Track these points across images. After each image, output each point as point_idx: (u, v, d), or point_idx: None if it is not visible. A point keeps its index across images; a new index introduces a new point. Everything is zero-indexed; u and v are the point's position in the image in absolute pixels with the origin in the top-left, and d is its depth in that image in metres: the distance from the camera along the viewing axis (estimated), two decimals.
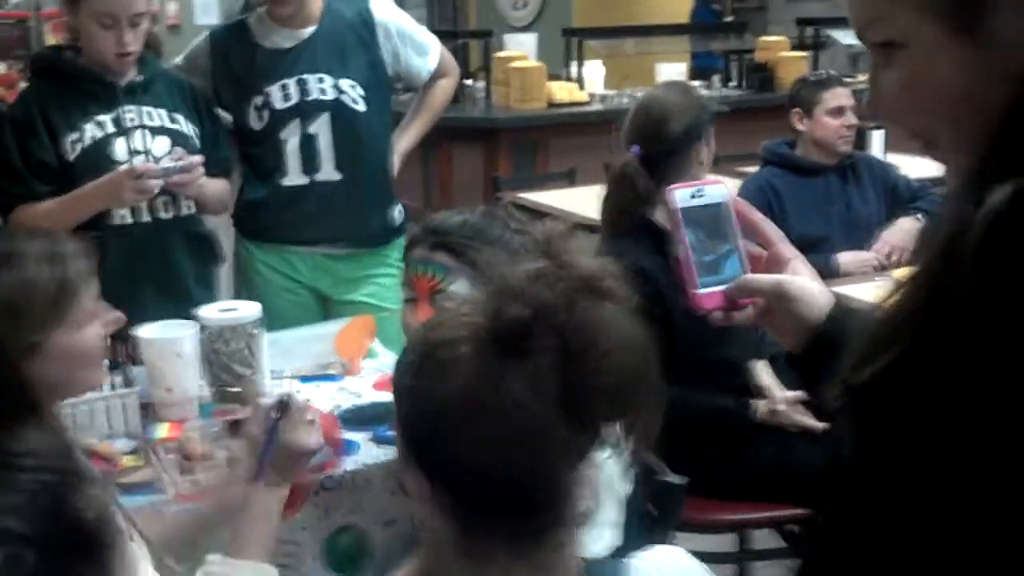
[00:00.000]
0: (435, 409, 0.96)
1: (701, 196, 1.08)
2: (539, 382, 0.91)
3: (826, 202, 3.21)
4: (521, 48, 6.75)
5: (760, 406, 2.43)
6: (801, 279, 1.09)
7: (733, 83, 6.95)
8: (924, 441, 0.69)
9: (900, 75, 0.76)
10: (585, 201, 3.94)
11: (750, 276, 1.08)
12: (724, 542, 2.76)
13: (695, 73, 7.36)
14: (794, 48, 7.21)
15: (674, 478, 1.72)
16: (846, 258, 3.13)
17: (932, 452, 0.68)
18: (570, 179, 4.79)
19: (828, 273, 3.06)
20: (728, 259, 1.09)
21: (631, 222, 2.40)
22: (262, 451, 1.53)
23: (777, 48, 7.04)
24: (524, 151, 6.24)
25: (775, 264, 1.10)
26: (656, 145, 2.40)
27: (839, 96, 3.21)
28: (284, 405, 1.55)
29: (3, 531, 0.71)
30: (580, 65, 6.78)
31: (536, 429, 0.91)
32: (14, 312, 1.46)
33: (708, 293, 1.07)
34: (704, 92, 6.69)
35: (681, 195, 1.07)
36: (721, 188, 1.10)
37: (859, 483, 0.75)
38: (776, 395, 2.44)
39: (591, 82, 6.68)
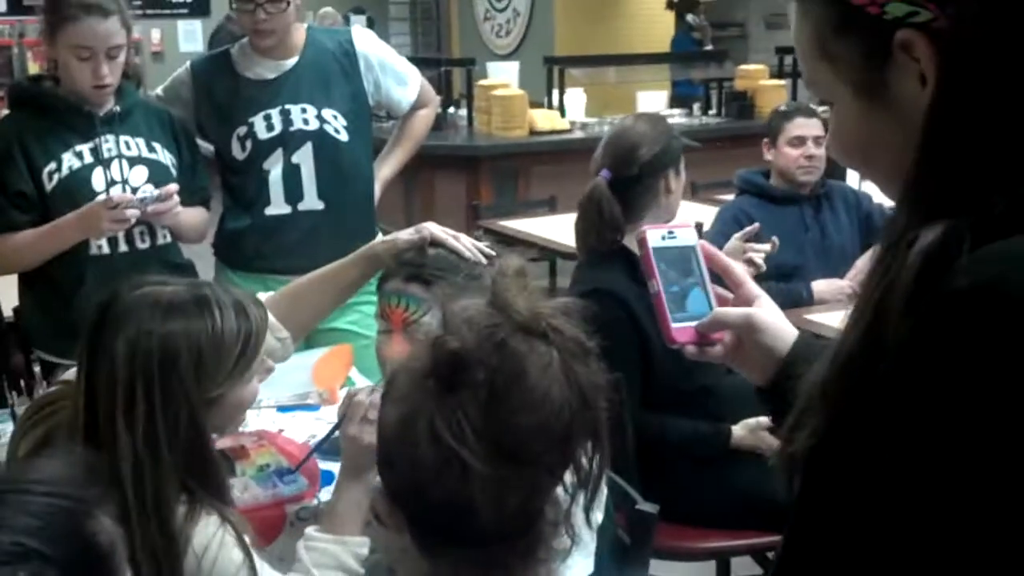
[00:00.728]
0: (382, 433, 1.03)
1: (673, 238, 1.14)
2: (461, 416, 0.94)
3: (800, 231, 3.24)
4: (503, 76, 6.81)
5: (736, 431, 2.45)
6: (769, 311, 1.13)
7: (713, 111, 7.02)
8: (857, 502, 0.74)
9: (833, 124, 0.90)
10: (566, 229, 3.94)
11: (721, 310, 1.13)
12: (704, 570, 2.76)
13: (675, 101, 7.44)
14: (773, 76, 7.28)
15: (646, 506, 1.73)
16: (820, 286, 3.16)
17: (866, 512, 0.73)
18: (551, 207, 4.82)
19: (803, 301, 3.09)
20: (697, 297, 1.14)
21: (605, 247, 2.42)
22: (318, 441, 1.63)
23: (756, 76, 7.11)
24: (505, 179, 6.27)
25: (743, 303, 1.15)
26: (625, 171, 2.43)
27: (800, 126, 3.25)
28: (349, 399, 1.61)
29: (25, 551, 0.74)
30: (562, 93, 6.84)
31: (456, 461, 0.94)
32: (204, 365, 1.42)
33: (681, 328, 1.12)
34: (683, 120, 6.77)
35: (653, 236, 1.12)
36: (691, 232, 1.17)
37: (799, 540, 0.82)
38: (749, 420, 2.46)
39: (573, 110, 6.73)
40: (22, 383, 2.17)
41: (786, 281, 3.13)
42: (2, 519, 0.75)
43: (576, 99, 6.78)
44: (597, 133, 6.55)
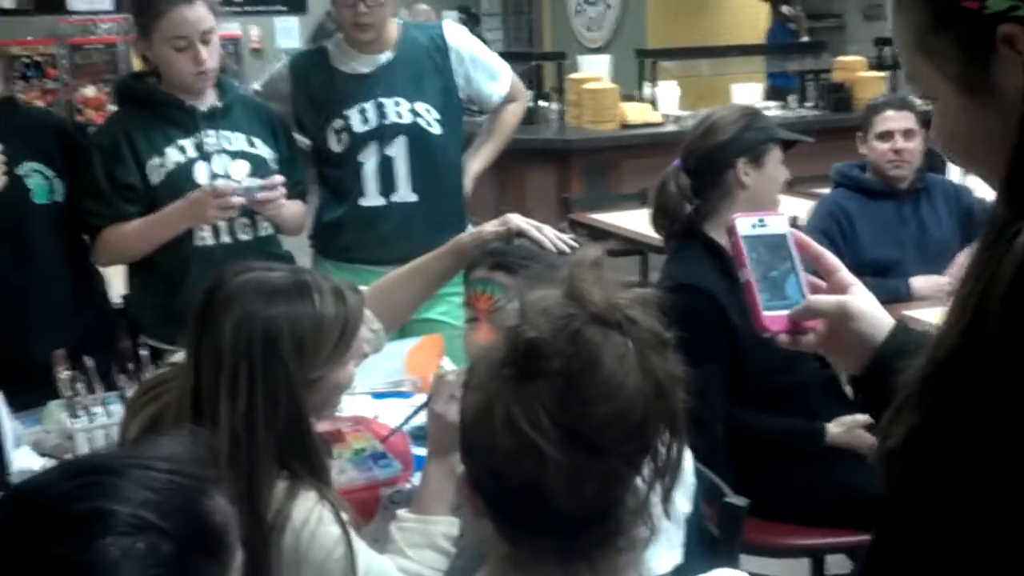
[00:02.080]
0: (462, 420, 1.05)
1: (763, 226, 1.13)
2: (537, 405, 0.96)
3: (899, 225, 3.18)
4: (595, 69, 6.79)
5: (831, 429, 2.42)
6: (863, 299, 1.11)
7: (809, 103, 6.90)
8: (953, 503, 0.73)
9: (935, 119, 0.90)
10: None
11: (814, 297, 1.12)
12: (797, 567, 2.74)
13: (771, 93, 7.33)
14: (872, 68, 7.13)
15: (735, 499, 1.73)
16: (919, 282, 3.09)
17: (963, 511, 0.72)
18: (641, 200, 4.80)
19: (901, 297, 3.03)
20: (790, 284, 1.13)
21: (687, 238, 2.41)
22: (408, 416, 1.70)
23: (855, 68, 6.97)
24: (596, 172, 6.26)
25: (836, 291, 1.14)
26: (696, 157, 2.40)
27: (888, 120, 3.18)
28: (439, 379, 1.67)
29: (143, 523, 0.77)
30: (654, 86, 6.79)
31: (532, 448, 0.95)
32: (304, 347, 1.48)
33: (772, 316, 1.11)
34: (779, 113, 6.66)
35: (742, 224, 1.12)
36: (782, 219, 1.15)
37: (892, 534, 0.82)
38: (844, 418, 2.43)
39: (665, 103, 6.68)
40: (130, 367, 2.25)
41: (884, 276, 3.07)
42: (124, 492, 0.79)
43: (669, 92, 6.73)
44: (689, 126, 6.51)
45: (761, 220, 1.13)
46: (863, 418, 2.42)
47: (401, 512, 1.64)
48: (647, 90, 6.84)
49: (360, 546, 1.52)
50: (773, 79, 7.99)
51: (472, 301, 1.74)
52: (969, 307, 0.74)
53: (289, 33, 9.61)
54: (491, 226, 1.82)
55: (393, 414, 2.36)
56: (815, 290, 1.14)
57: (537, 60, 7.44)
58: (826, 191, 3.51)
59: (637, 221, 4.49)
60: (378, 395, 2.42)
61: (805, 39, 8.71)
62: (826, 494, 2.44)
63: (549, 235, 1.76)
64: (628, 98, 6.62)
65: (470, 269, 1.78)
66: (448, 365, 2.67)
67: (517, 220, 1.79)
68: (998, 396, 0.70)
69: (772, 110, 6.68)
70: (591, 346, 0.97)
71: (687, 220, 2.39)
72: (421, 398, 2.48)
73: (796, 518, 2.44)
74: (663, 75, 6.93)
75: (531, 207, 6.31)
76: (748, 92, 7.02)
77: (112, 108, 5.72)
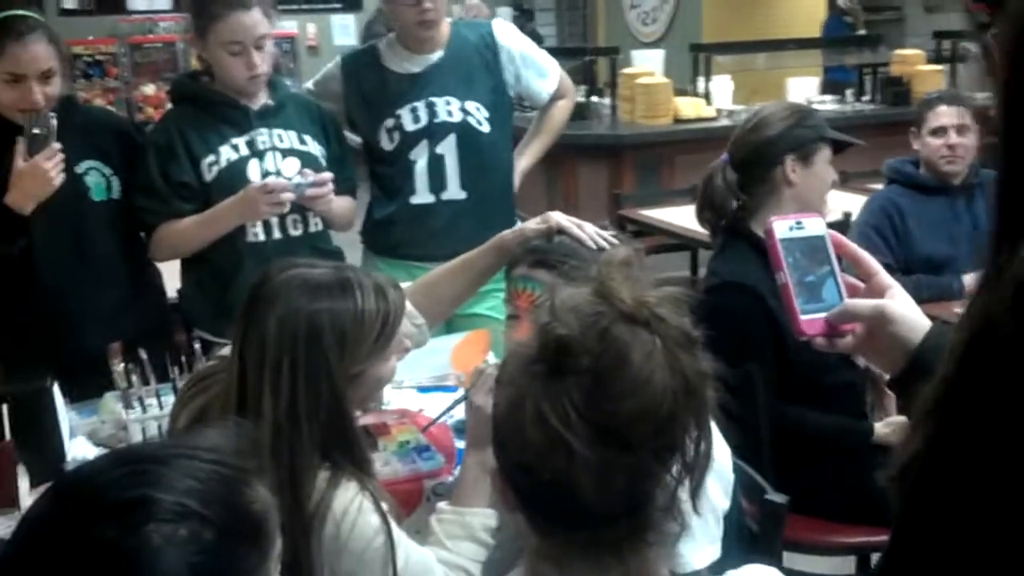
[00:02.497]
0: (495, 414, 1.07)
1: (800, 228, 1.13)
2: (566, 401, 0.98)
3: (952, 222, 3.14)
4: (648, 64, 6.77)
5: (879, 428, 2.41)
6: (901, 302, 1.11)
7: (867, 97, 6.81)
8: (963, 511, 0.73)
9: None
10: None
11: (852, 301, 1.12)
12: (843, 565, 2.72)
13: (827, 87, 7.24)
14: (931, 61, 7.01)
15: (776, 496, 1.73)
16: (972, 280, 3.04)
17: (975, 526, 0.73)
18: (693, 195, 4.76)
19: (953, 294, 2.99)
20: (828, 287, 1.13)
21: (734, 234, 2.40)
22: (448, 407, 1.73)
23: (913, 61, 6.86)
24: (649, 168, 6.24)
25: (875, 294, 1.13)
26: (744, 151, 2.39)
27: (942, 115, 3.14)
28: (478, 372, 1.69)
29: (185, 510, 0.80)
30: (708, 80, 6.74)
31: (561, 443, 0.97)
32: (346, 342, 1.52)
33: (810, 320, 1.11)
34: (836, 107, 6.58)
35: (780, 227, 1.12)
36: (819, 222, 1.15)
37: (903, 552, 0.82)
38: (892, 418, 2.41)
39: (719, 97, 6.63)
40: (183, 360, 2.31)
41: (936, 273, 3.04)
42: (168, 480, 0.82)
43: (723, 86, 6.68)
44: (743, 121, 6.46)
45: (799, 223, 1.14)
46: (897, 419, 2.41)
47: (440, 504, 1.67)
48: (701, 84, 6.79)
49: (400, 536, 1.55)
50: (829, 73, 7.90)
51: (513, 298, 1.76)
52: (977, 317, 0.74)
53: (346, 31, 9.72)
54: (533, 223, 1.84)
55: (438, 408, 2.39)
56: (853, 292, 1.13)
57: (591, 55, 7.42)
58: (880, 187, 3.47)
59: (687, 217, 4.46)
60: (423, 389, 2.45)
61: (862, 32, 8.59)
62: (872, 492, 2.41)
63: (590, 232, 1.77)
64: (681, 93, 6.58)
65: (511, 266, 1.80)
66: (493, 360, 2.70)
67: (558, 217, 1.81)
68: (1007, 404, 0.70)
69: (828, 104, 6.60)
70: (619, 343, 0.99)
71: (733, 216, 2.39)
72: None
73: (842, 515, 2.43)
74: (717, 69, 6.88)
75: (582, 203, 6.30)
76: (804, 86, 6.95)
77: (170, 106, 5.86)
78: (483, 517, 1.63)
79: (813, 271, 1.12)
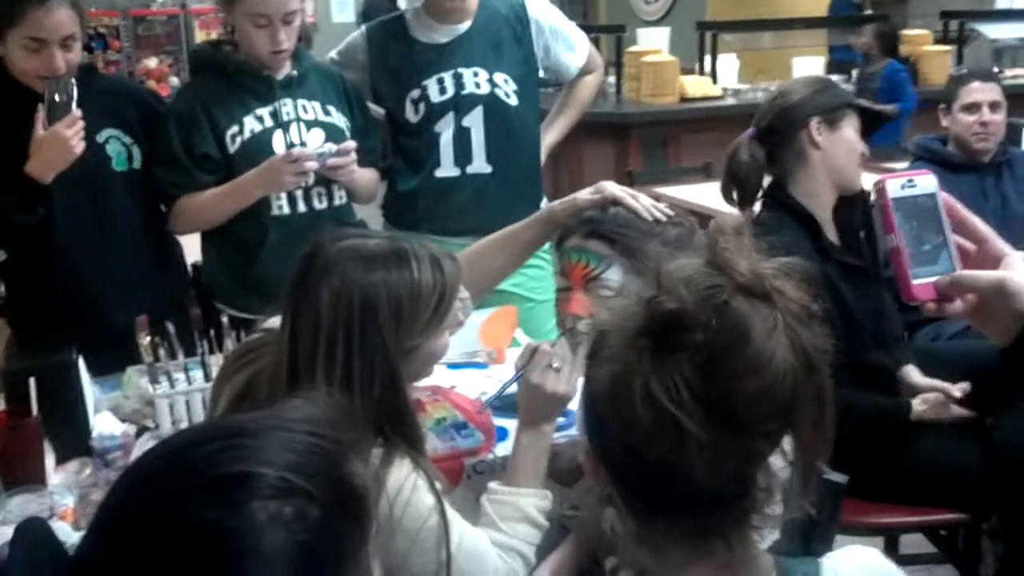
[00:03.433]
0: (592, 391, 1.00)
1: (912, 187, 1.07)
2: (678, 379, 0.92)
3: (980, 200, 3.10)
4: (654, 42, 6.71)
5: (915, 405, 2.38)
6: (1021, 273, 1.06)
7: None
8: None
9: None
10: (720, 196, 3.90)
11: (967, 273, 1.06)
12: (871, 545, 2.69)
13: (833, 67, 7.19)
14: (937, 42, 6.98)
15: (834, 476, 1.69)
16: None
17: None
18: (705, 173, 4.74)
19: None
20: (940, 251, 1.07)
21: (774, 207, 2.36)
22: (503, 385, 1.66)
23: (919, 42, 6.84)
24: (655, 146, 6.20)
25: (987, 260, 1.08)
26: (768, 117, 2.36)
27: (975, 92, 3.11)
28: (532, 351, 1.62)
29: (290, 486, 0.74)
30: (714, 59, 6.70)
31: (672, 424, 0.91)
32: (402, 316, 1.46)
33: (922, 284, 1.06)
34: (843, 87, 6.54)
35: (892, 185, 1.06)
36: (931, 179, 1.09)
37: None
38: (928, 394, 2.38)
39: (725, 76, 6.59)
40: (211, 334, 2.25)
41: None
42: (267, 454, 0.76)
43: (729, 65, 6.63)
44: (751, 100, 6.41)
45: (910, 180, 1.08)
46: (954, 390, 2.37)
47: (493, 484, 1.62)
48: (707, 63, 6.74)
49: (454, 516, 1.51)
50: (835, 52, 7.84)
51: (567, 270, 1.70)
52: None
53: (344, 7, 9.62)
54: (585, 194, 1.79)
55: (469, 384, 2.35)
56: (963, 254, 1.08)
57: (596, 33, 7.34)
58: (899, 166, 3.43)
59: (700, 194, 4.43)
60: (453, 365, 2.41)
61: (868, 12, 8.53)
62: (906, 472, 2.39)
63: (645, 204, 1.72)
64: (687, 71, 6.53)
65: (563, 238, 1.75)
66: (522, 338, 2.66)
67: (612, 188, 1.75)
68: None
69: (832, 80, 6.55)
70: (739, 319, 0.92)
71: (771, 188, 2.35)
72: (497, 369, 2.48)
73: (873, 495, 2.40)
74: (723, 48, 6.83)
75: (587, 182, 6.24)
76: (810, 65, 6.90)
77: (174, 80, 5.78)
78: (537, 498, 1.59)
79: (925, 234, 1.07)
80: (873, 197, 1.09)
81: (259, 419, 0.81)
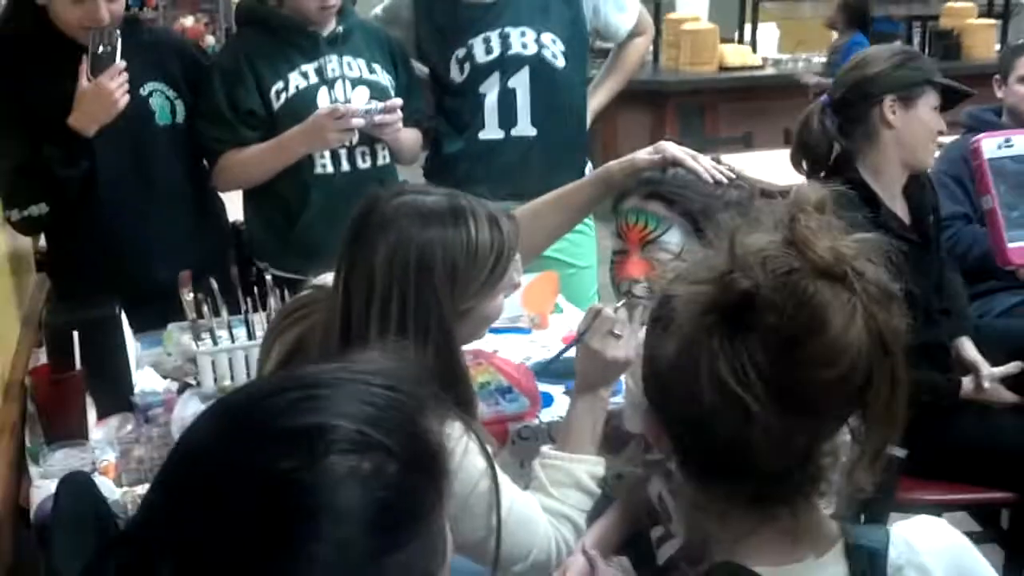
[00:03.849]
0: (657, 362, 0.97)
1: (1009, 147, 1.02)
2: (747, 361, 0.88)
3: None
4: (693, 9, 6.62)
5: (966, 383, 2.33)
6: None
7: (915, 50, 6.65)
8: None
9: None
10: (762, 166, 3.83)
11: None
12: None
13: (874, 39, 7.05)
14: (982, 15, 6.85)
15: (895, 451, 1.65)
16: None
17: None
18: (746, 143, 4.67)
19: None
20: None
21: (828, 175, 2.31)
22: (561, 349, 1.60)
23: (964, 15, 6.71)
24: (692, 115, 6.13)
25: None
26: (843, 88, 2.30)
27: None
28: (594, 313, 1.58)
29: (368, 440, 0.71)
30: (754, 28, 6.60)
31: (739, 405, 0.88)
32: (457, 276, 1.42)
33: (1018, 248, 1.02)
34: (926, 61, 6.40)
35: (988, 145, 1.02)
36: None
37: None
38: (983, 371, 2.33)
39: (765, 46, 6.50)
40: (255, 292, 2.23)
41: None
42: (345, 407, 0.72)
43: (769, 35, 6.53)
44: (790, 70, 6.32)
45: (1007, 140, 1.04)
46: (999, 371, 2.33)
47: (546, 449, 1.59)
48: (747, 32, 6.64)
49: (505, 480, 1.48)
50: (876, 24, 7.70)
51: (624, 231, 1.66)
52: None
53: None
54: (644, 154, 1.74)
55: (512, 348, 2.33)
56: None
57: None
58: (955, 137, 3.35)
59: (742, 164, 4.35)
60: (495, 330, 2.36)
61: None
62: (954, 449, 2.35)
63: (705, 164, 1.67)
64: (726, 40, 6.44)
65: (621, 199, 1.71)
66: (564, 303, 2.62)
67: (672, 148, 1.70)
68: None
69: (918, 52, 6.45)
70: (816, 305, 0.88)
71: (836, 162, 2.29)
72: (540, 334, 2.45)
73: (919, 472, 2.36)
74: (763, 16, 6.72)
75: (621, 151, 6.19)
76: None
77: (210, 39, 5.73)
78: (591, 464, 1.56)
79: (1022, 194, 1.02)
80: (968, 156, 1.04)
81: (334, 371, 0.78)
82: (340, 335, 1.42)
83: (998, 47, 6.67)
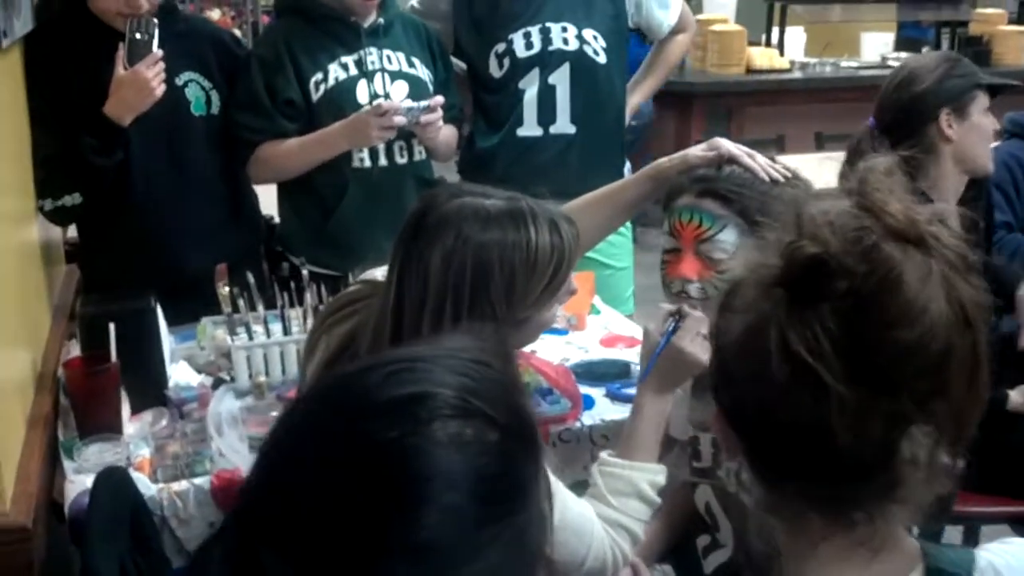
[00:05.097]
0: (723, 345, 0.93)
1: None
2: (818, 329, 0.83)
3: None
4: (720, 11, 6.56)
5: (1013, 396, 2.28)
6: None
7: None
8: None
9: None
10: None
11: None
12: (950, 534, 2.61)
13: (902, 44, 7.01)
14: (1012, 22, 6.78)
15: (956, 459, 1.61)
16: None
17: None
18: (779, 146, 4.62)
19: None
20: None
21: None
22: (654, 353, 1.54)
23: (995, 21, 6.63)
24: (718, 118, 6.07)
25: None
26: (892, 111, 2.23)
27: None
28: (682, 314, 1.54)
29: (469, 407, 0.71)
30: (782, 31, 6.55)
31: (811, 378, 0.83)
32: (515, 288, 1.37)
33: None
34: (967, 62, 6.35)
35: None
36: None
37: None
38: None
39: (792, 49, 6.44)
40: (292, 286, 2.19)
41: None
42: (443, 377, 0.72)
43: (796, 38, 6.48)
44: (817, 73, 6.27)
45: None
46: None
47: (605, 455, 1.54)
48: (774, 35, 6.59)
49: (558, 486, 1.43)
50: (904, 29, 7.65)
51: (677, 230, 1.61)
52: None
53: None
54: (698, 151, 1.69)
55: (550, 349, 2.28)
56: None
57: None
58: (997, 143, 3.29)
59: None
60: None
61: None
62: (995, 460, 2.29)
63: (761, 163, 1.63)
64: (753, 43, 6.39)
65: (672, 196, 1.66)
66: (600, 305, 2.58)
67: (727, 145, 1.66)
68: None
69: (961, 57, 6.39)
70: (889, 264, 0.83)
71: None
72: (576, 335, 2.40)
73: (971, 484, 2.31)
74: (791, 20, 6.67)
75: (648, 153, 6.15)
76: (878, 42, 6.74)
77: (236, 33, 5.70)
78: (652, 472, 1.51)
79: None
80: None
81: (424, 348, 0.78)
82: (391, 334, 1.38)
83: None
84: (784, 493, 0.92)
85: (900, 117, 2.22)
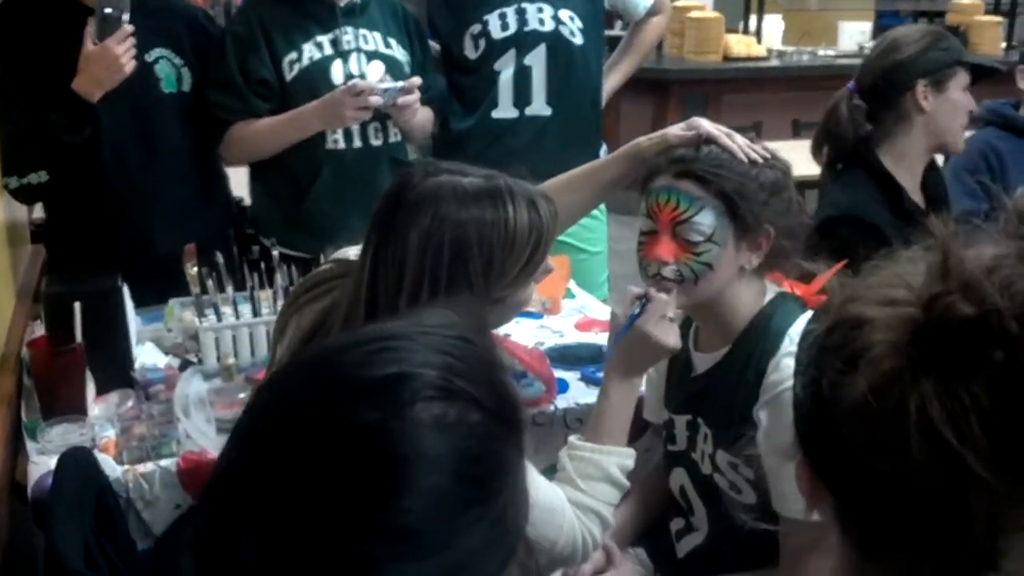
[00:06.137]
0: (834, 401, 0.77)
1: None
2: (971, 409, 0.69)
3: None
4: None
5: None
6: None
7: None
8: None
9: None
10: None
11: None
12: None
13: (879, 33, 7.02)
14: (988, 12, 6.81)
15: None
16: None
17: None
18: (756, 133, 4.60)
19: None
20: None
21: (855, 165, 2.25)
22: (617, 334, 1.52)
23: (971, 11, 6.67)
24: (695, 105, 6.05)
25: None
26: (872, 75, 2.23)
27: None
28: (646, 297, 1.52)
29: (451, 387, 0.68)
30: (760, 19, 6.54)
31: (954, 462, 0.69)
32: (492, 267, 1.35)
33: None
34: (954, 40, 6.36)
35: None
36: None
37: None
38: None
39: (769, 37, 6.44)
40: (262, 267, 2.16)
41: None
42: (424, 356, 0.70)
43: (774, 26, 6.48)
44: (795, 62, 6.27)
45: None
46: None
47: (574, 439, 1.52)
48: (752, 22, 6.59)
49: (529, 468, 1.41)
50: (882, 19, 7.67)
51: (654, 211, 1.59)
52: None
53: None
54: (676, 130, 1.66)
55: (524, 333, 2.27)
56: None
57: None
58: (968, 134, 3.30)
59: None
60: None
61: None
62: None
63: (740, 143, 1.61)
64: (730, 31, 6.39)
65: (651, 177, 1.63)
66: (575, 289, 2.57)
67: (706, 125, 1.63)
68: None
69: (946, 33, 6.41)
70: None
71: (857, 145, 2.23)
72: (551, 319, 2.39)
73: None
74: (769, 7, 6.67)
75: (623, 139, 6.13)
76: (856, 30, 6.76)
77: (209, 11, 5.63)
78: (622, 456, 1.49)
79: None
80: None
81: (404, 325, 0.75)
82: (366, 313, 1.36)
83: (1004, 44, 6.64)
84: (890, 564, 0.78)
85: (879, 83, 2.22)
